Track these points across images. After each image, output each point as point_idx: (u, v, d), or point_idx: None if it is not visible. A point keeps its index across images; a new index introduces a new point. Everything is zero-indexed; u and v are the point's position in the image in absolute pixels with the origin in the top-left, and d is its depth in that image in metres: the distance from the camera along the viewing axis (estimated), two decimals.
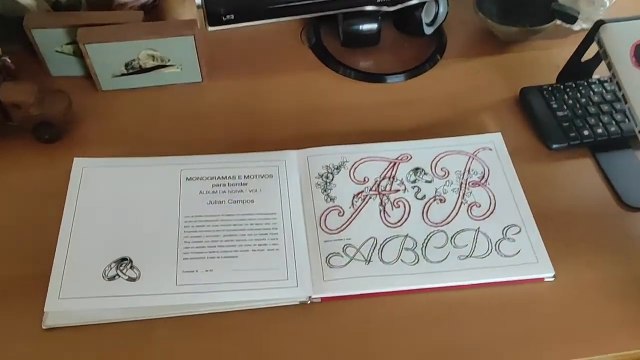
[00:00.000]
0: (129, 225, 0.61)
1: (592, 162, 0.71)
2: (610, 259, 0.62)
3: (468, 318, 0.57)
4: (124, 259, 0.58)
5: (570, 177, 0.70)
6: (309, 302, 0.57)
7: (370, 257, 0.60)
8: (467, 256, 0.61)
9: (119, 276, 0.57)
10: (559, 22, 0.82)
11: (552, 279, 0.60)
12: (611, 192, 0.68)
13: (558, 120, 0.73)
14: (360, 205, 0.65)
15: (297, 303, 0.57)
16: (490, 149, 0.71)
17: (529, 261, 0.61)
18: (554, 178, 0.70)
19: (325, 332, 0.56)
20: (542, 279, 0.60)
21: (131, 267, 0.57)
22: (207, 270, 0.58)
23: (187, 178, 0.66)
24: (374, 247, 0.61)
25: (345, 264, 0.60)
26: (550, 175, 0.70)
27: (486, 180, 0.67)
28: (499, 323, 0.57)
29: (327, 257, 0.60)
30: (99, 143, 0.71)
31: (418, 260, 0.61)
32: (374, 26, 0.80)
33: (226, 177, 0.66)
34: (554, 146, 0.72)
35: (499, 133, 0.72)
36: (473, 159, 0.70)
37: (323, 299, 0.58)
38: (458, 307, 0.58)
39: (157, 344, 0.55)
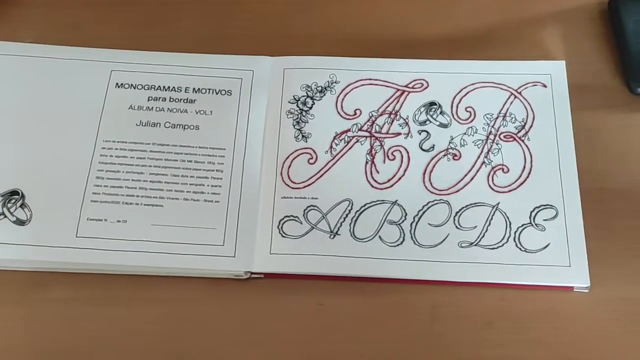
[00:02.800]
0: (25, 146, 0.47)
1: None
2: None
3: (452, 328, 0.43)
4: (14, 192, 0.45)
5: None
6: (246, 277, 0.44)
7: (339, 229, 0.45)
8: (471, 243, 0.44)
9: (5, 216, 0.44)
10: None
11: (585, 291, 0.44)
12: None
13: None
14: (341, 151, 0.47)
15: (232, 277, 0.44)
16: (545, 85, 0.49)
17: (559, 262, 0.43)
18: (630, 141, 0.49)
19: (265, 318, 0.43)
20: (572, 287, 0.44)
21: (22, 206, 0.44)
22: (118, 221, 0.44)
23: (117, 84, 0.49)
24: (347, 215, 0.45)
25: (303, 234, 0.44)
26: (625, 135, 0.49)
27: (526, 133, 0.48)
28: (493, 342, 0.42)
29: (280, 221, 0.45)
30: None
31: (403, 240, 0.44)
32: None
33: (169, 87, 0.49)
34: None
35: (563, 62, 0.50)
36: (516, 97, 0.49)
37: (266, 275, 0.44)
38: (443, 310, 0.43)
39: (52, 306, 0.43)
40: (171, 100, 0.48)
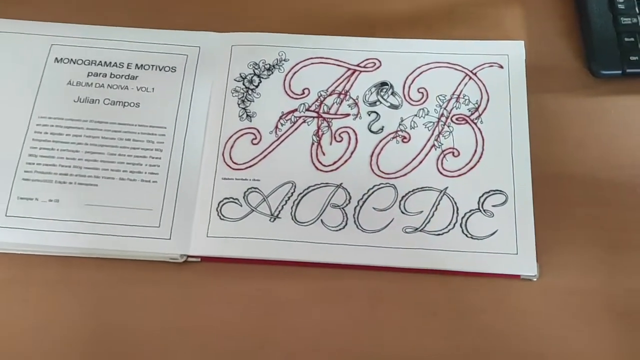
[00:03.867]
0: None
1: None
2: (634, 266, 0.43)
3: (394, 316, 0.41)
4: None
5: (615, 125, 0.47)
6: (182, 261, 0.42)
7: (279, 212, 0.43)
8: (416, 229, 0.43)
9: None
10: None
11: (533, 279, 0.42)
12: None
13: (619, 33, 0.48)
14: (286, 132, 0.46)
15: (168, 260, 0.43)
16: (501, 66, 0.47)
17: (506, 250, 0.42)
18: (589, 126, 0.47)
19: (201, 302, 0.41)
20: (518, 276, 0.42)
21: None
22: (50, 200, 0.42)
23: (56, 59, 0.47)
24: (289, 198, 0.43)
25: (242, 217, 0.43)
26: (584, 120, 0.47)
27: (480, 116, 0.46)
28: (436, 331, 0.41)
29: (220, 203, 0.43)
30: None
31: (346, 224, 0.43)
32: None
33: (110, 63, 0.47)
34: (603, 72, 0.48)
35: (522, 42, 0.48)
36: (470, 78, 0.47)
37: (204, 258, 0.43)
38: (385, 297, 0.42)
39: None
40: (112, 76, 0.46)
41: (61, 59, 0.47)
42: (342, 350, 0.40)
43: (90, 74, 0.47)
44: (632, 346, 0.40)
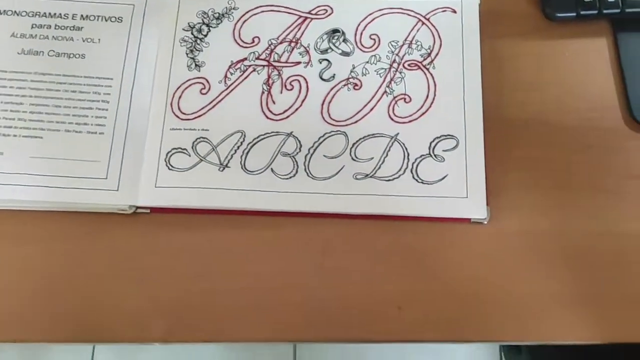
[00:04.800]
0: None
1: (608, 48, 0.47)
2: (584, 207, 0.43)
3: (345, 262, 0.41)
4: None
5: (569, 68, 0.46)
6: (131, 212, 0.42)
7: (229, 162, 0.43)
8: (367, 175, 0.42)
9: None
10: None
11: (484, 223, 0.42)
12: (620, 98, 0.46)
13: None
14: (236, 81, 0.45)
15: (117, 212, 0.42)
16: (455, 11, 0.47)
17: (456, 194, 0.42)
18: (542, 70, 0.46)
19: (151, 253, 0.41)
20: (469, 219, 0.42)
21: None
22: None
23: None
24: (239, 147, 0.43)
25: (191, 167, 0.42)
26: (537, 63, 0.46)
27: (432, 61, 0.45)
28: (387, 276, 0.41)
29: (168, 153, 0.43)
30: None
31: (296, 172, 0.43)
32: None
33: (54, 14, 0.46)
34: (558, 15, 0.47)
35: None
36: (423, 23, 0.46)
37: (153, 209, 0.42)
38: (336, 244, 0.42)
39: None
40: (57, 27, 0.45)
41: (4, 10, 0.46)
42: (294, 297, 0.41)
43: (34, 25, 0.45)
44: (582, 286, 0.41)
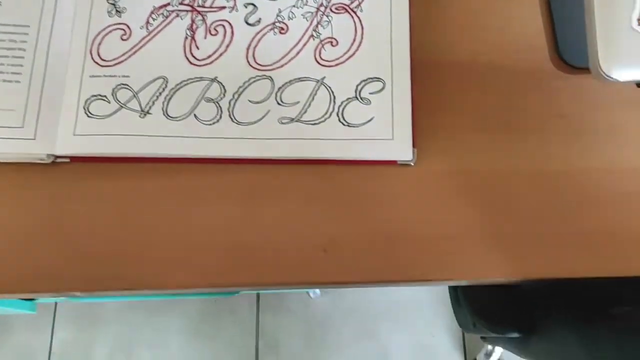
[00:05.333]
0: None
1: None
2: (511, 148, 0.43)
3: (272, 207, 0.41)
4: None
5: (496, 10, 0.46)
6: (49, 161, 0.41)
7: (150, 108, 0.42)
8: (292, 119, 0.42)
9: None
10: None
11: (410, 164, 0.42)
12: (549, 38, 0.45)
13: None
14: (158, 26, 0.44)
15: (36, 162, 0.41)
16: None
17: (382, 136, 0.42)
18: (471, 11, 0.46)
19: (72, 203, 0.40)
20: (395, 161, 0.42)
21: None
22: None
23: None
24: (161, 93, 0.42)
25: (111, 114, 0.41)
26: (466, 5, 0.46)
27: (359, 4, 0.44)
28: (314, 219, 0.41)
29: (87, 100, 0.41)
30: None
31: (220, 117, 0.42)
32: None
33: None
34: None
35: None
36: None
37: (73, 159, 0.41)
38: (262, 190, 0.41)
39: None
40: None
41: None
42: (219, 243, 0.40)
43: None
44: (507, 226, 0.41)
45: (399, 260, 0.40)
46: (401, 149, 0.41)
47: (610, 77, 0.34)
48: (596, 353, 0.39)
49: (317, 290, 1.00)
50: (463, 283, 0.41)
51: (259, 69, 0.43)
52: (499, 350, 0.90)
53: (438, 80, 0.44)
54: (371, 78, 0.43)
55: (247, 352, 1.00)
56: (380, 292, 1.03)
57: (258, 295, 1.03)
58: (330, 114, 0.42)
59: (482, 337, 0.59)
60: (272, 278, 0.40)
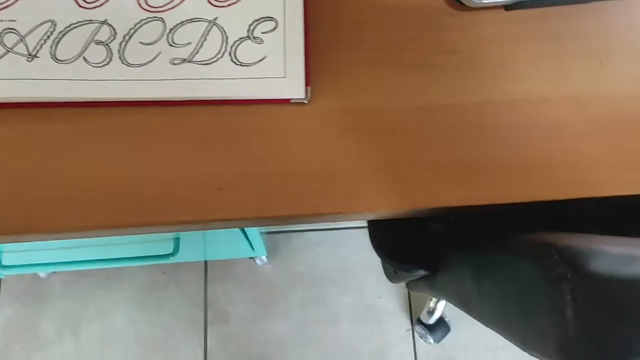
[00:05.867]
0: None
1: None
2: (405, 84, 0.43)
3: (166, 149, 0.40)
4: None
5: None
6: None
7: (38, 52, 0.41)
8: (184, 60, 0.42)
9: None
10: None
11: (304, 102, 0.42)
12: None
13: None
14: None
15: None
16: None
17: (274, 74, 0.42)
18: None
19: None
20: (288, 100, 0.42)
21: None
22: None
23: None
24: (48, 37, 0.41)
25: None
26: None
27: None
28: (206, 159, 0.41)
29: None
30: None
31: (110, 60, 0.41)
32: None
33: None
34: None
35: None
36: None
37: None
38: (157, 131, 0.41)
39: None
40: None
41: None
42: (110, 186, 0.40)
43: None
44: (400, 158, 0.41)
45: (293, 197, 0.41)
46: (294, 87, 0.42)
47: (477, 1, 0.35)
48: (482, 285, 0.40)
49: (264, 257, 1.01)
50: (356, 217, 0.42)
51: (150, 11, 0.43)
52: (440, 307, 0.93)
53: (334, 17, 0.44)
54: (264, 17, 0.43)
55: (195, 323, 1.00)
56: (328, 257, 1.04)
57: (206, 264, 1.03)
58: (223, 54, 0.42)
59: (406, 285, 0.61)
60: (169, 217, 0.40)
